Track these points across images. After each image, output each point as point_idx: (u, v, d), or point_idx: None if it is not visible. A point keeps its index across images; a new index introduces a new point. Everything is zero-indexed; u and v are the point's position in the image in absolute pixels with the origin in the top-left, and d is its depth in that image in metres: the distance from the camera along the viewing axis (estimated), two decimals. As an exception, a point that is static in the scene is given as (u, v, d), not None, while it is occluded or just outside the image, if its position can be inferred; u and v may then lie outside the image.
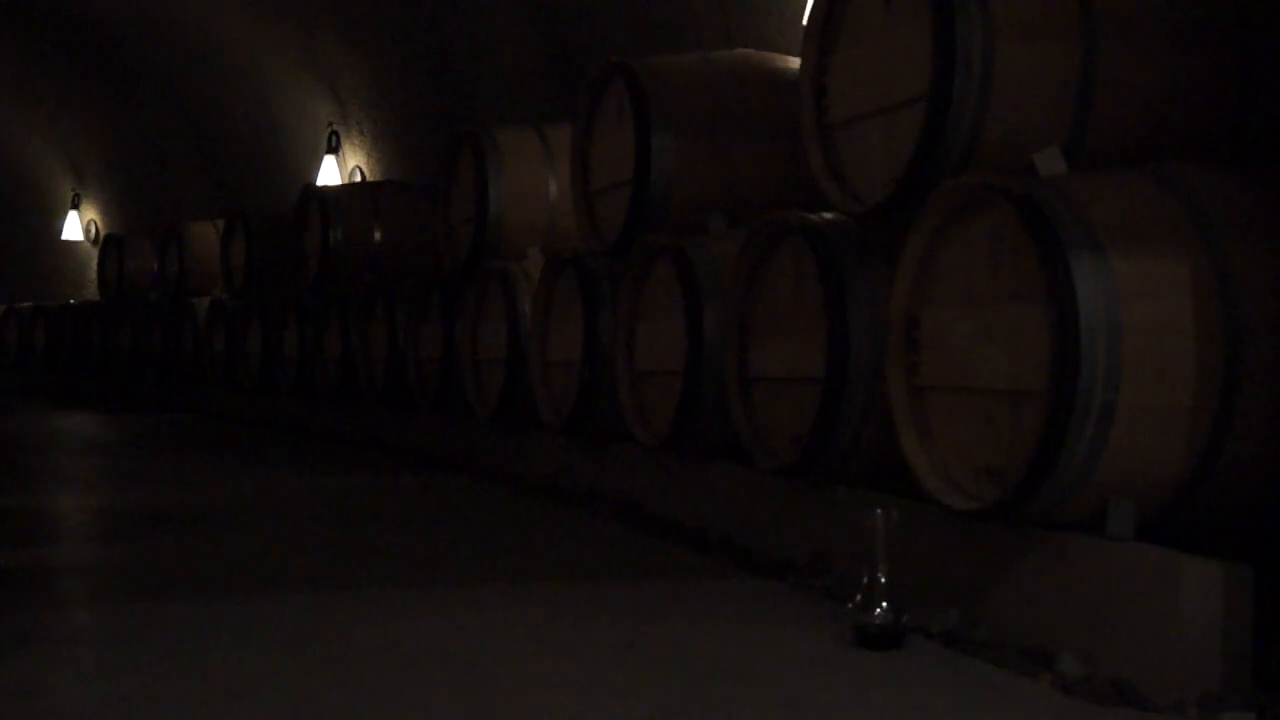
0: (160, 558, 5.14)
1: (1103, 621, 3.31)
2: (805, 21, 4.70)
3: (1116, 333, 3.30)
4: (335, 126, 13.21)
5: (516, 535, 5.76)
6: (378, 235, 10.09)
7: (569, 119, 6.81)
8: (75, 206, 20.03)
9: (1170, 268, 3.38)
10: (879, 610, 3.62)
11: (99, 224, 19.77)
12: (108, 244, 16.12)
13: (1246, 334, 3.36)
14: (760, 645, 3.73)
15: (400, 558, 5.18)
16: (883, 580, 3.62)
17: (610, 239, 6.11)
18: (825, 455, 4.50)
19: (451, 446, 8.32)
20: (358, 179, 12.97)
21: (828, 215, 4.60)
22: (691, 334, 5.28)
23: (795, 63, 5.15)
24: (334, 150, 13.20)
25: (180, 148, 16.88)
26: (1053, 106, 3.87)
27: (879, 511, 3.65)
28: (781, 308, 4.79)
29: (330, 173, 13.08)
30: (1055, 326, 3.34)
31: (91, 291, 18.02)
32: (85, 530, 6.10)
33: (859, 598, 3.67)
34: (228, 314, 12.25)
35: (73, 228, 20.03)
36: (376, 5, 11.70)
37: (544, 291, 6.77)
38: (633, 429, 5.82)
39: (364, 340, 9.48)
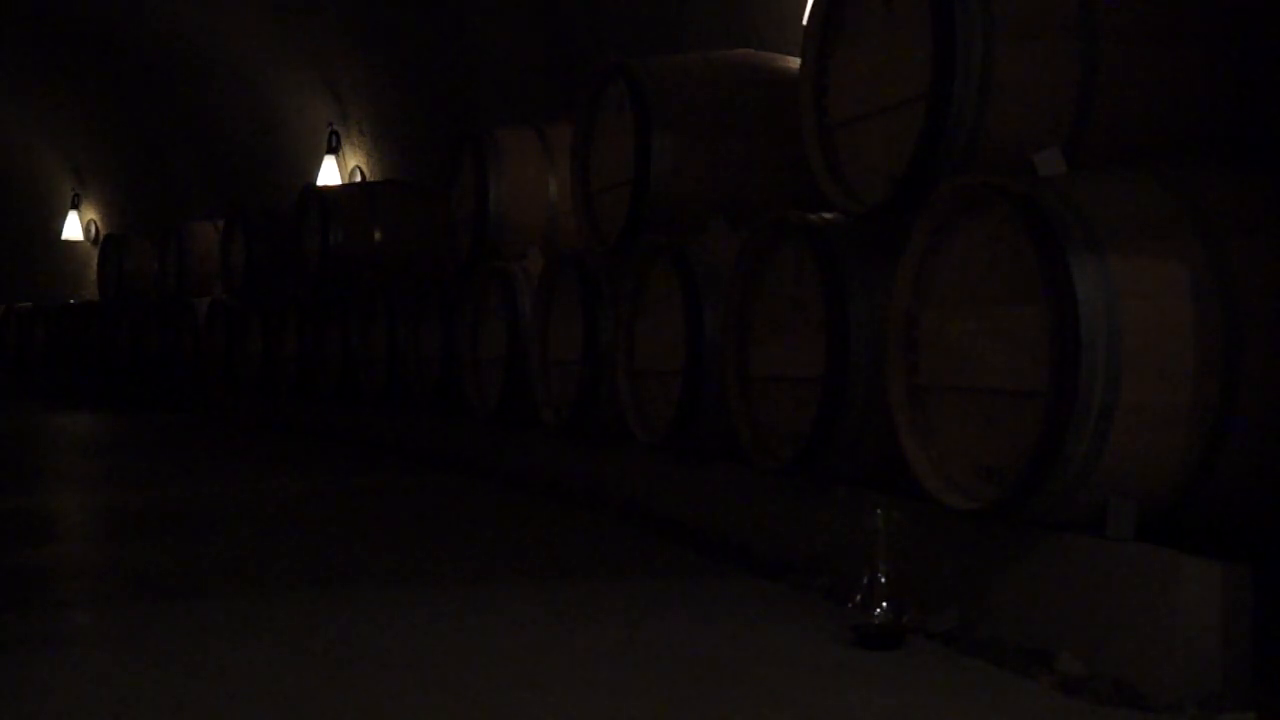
0: (160, 558, 5.14)
1: (1103, 621, 3.31)
2: (805, 21, 4.70)
3: (1116, 333, 3.30)
4: (335, 126, 13.20)
5: (516, 535, 5.76)
6: (378, 235, 10.09)
7: (569, 119, 6.80)
8: (75, 206, 20.02)
9: (1170, 268, 3.38)
10: (879, 610, 3.62)
11: (99, 224, 19.76)
12: (108, 244, 16.11)
13: (1246, 334, 3.36)
14: (760, 645, 3.73)
15: (399, 558, 5.17)
16: (883, 580, 3.62)
17: (610, 239, 6.11)
18: (825, 455, 4.50)
19: (451, 446, 8.31)
20: (358, 179, 12.97)
21: (828, 215, 4.60)
22: (691, 334, 5.28)
23: (795, 63, 5.15)
24: (334, 150, 13.19)
25: (180, 148, 16.87)
26: (1053, 106, 3.87)
27: (879, 511, 3.65)
28: (781, 307, 4.79)
29: (330, 173, 13.08)
30: (1055, 326, 3.34)
31: (91, 291, 18.01)
32: (85, 530, 6.10)
33: (859, 598, 3.67)
34: (228, 314, 12.24)
35: (73, 228, 20.02)
36: (376, 5, 11.70)
37: (544, 291, 6.76)
38: (633, 429, 5.82)
39: (364, 340, 9.48)
